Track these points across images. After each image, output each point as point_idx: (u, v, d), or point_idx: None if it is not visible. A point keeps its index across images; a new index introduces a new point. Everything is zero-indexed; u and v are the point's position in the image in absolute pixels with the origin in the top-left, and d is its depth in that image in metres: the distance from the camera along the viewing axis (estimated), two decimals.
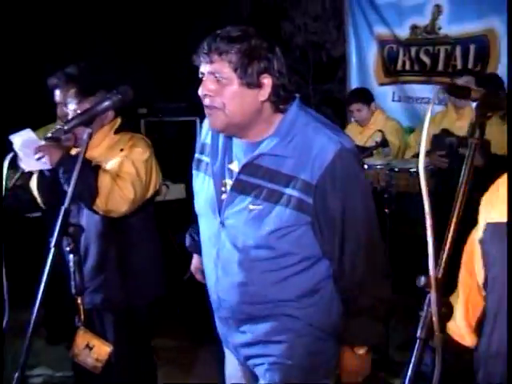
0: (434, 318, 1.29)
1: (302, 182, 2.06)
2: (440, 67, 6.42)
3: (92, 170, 3.00)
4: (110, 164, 3.10)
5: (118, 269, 3.23)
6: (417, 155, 5.17)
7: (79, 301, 2.15)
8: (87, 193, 2.93)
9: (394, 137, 5.43)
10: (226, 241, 2.24)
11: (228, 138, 2.26)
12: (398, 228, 4.88)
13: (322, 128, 2.13)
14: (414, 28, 6.62)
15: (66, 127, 2.20)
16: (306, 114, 2.19)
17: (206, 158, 2.35)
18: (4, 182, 3.11)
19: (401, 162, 5.10)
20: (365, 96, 5.80)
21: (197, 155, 2.43)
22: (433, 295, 1.28)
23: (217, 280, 2.32)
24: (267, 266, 2.19)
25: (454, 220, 1.38)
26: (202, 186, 2.35)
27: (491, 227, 1.64)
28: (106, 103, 2.23)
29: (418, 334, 1.33)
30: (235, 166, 2.23)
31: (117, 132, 3.21)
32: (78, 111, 3.02)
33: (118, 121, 3.23)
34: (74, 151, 3.13)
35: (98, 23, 6.83)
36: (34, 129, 3.31)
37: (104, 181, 2.98)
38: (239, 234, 2.20)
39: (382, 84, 7.00)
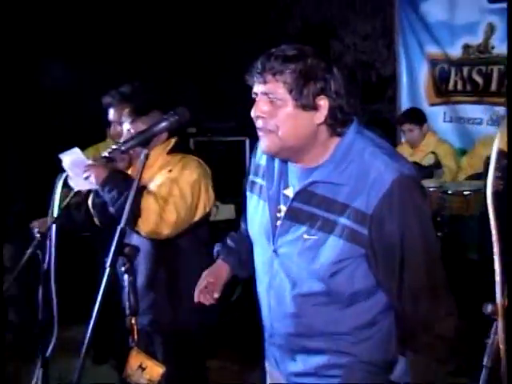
0: (502, 346, 1.27)
1: (356, 211, 1.98)
2: (493, 87, 6.34)
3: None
4: (155, 185, 3.12)
5: (167, 291, 3.22)
6: (470, 177, 5.14)
7: (133, 321, 2.17)
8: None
9: (450, 161, 5.40)
10: (279, 270, 2.19)
11: (283, 162, 2.19)
12: (450, 252, 4.83)
13: (379, 154, 2.04)
14: (466, 47, 6.56)
15: (123, 147, 2.23)
16: (363, 138, 2.09)
17: (260, 181, 2.31)
18: (58, 202, 3.16)
19: (454, 185, 5.06)
20: (417, 116, 5.79)
21: (251, 177, 2.38)
22: (500, 323, 1.26)
23: (269, 308, 2.29)
24: (320, 300, 2.13)
25: None
26: (257, 210, 2.30)
27: None
28: (164, 124, 2.26)
29: (485, 362, 1.32)
30: (290, 192, 2.16)
31: (169, 153, 3.23)
32: (132, 131, 3.08)
33: (172, 141, 3.25)
34: (129, 171, 3.18)
35: (146, 44, 6.94)
36: (83, 147, 3.38)
37: (147, 202, 2.99)
38: (293, 265, 2.14)
39: (432, 104, 6.94)
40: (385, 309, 2.17)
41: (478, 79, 6.52)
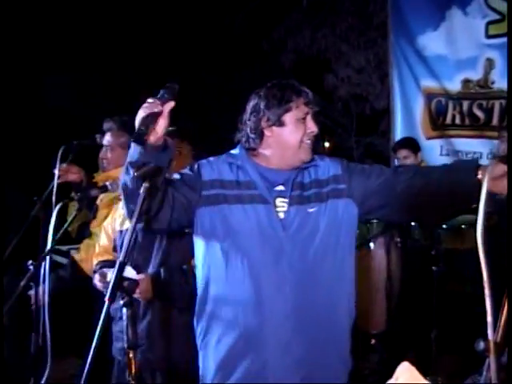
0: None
1: (334, 176, 2.68)
2: (495, 122, 6.42)
3: None
4: None
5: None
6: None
7: (131, 355, 2.20)
8: None
9: None
10: (294, 252, 2.58)
11: (261, 169, 2.68)
12: (446, 286, 4.88)
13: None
14: (466, 82, 6.63)
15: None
16: None
17: (244, 191, 2.63)
18: (52, 234, 3.22)
19: None
20: (413, 144, 5.91)
21: (234, 192, 2.64)
22: (492, 360, 1.31)
23: (285, 301, 2.57)
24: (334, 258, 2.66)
25: None
26: (246, 217, 2.61)
27: None
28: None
29: None
30: (282, 187, 2.66)
31: None
32: None
33: None
34: None
35: (143, 76, 7.06)
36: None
37: None
38: (308, 237, 2.61)
39: (429, 138, 6.98)
40: None
41: (479, 113, 6.59)
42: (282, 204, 2.63)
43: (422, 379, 1.62)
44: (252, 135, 2.65)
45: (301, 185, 2.67)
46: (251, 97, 2.70)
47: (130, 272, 3.09)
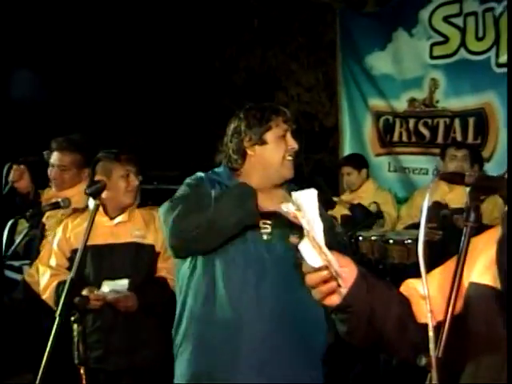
0: None
1: None
2: (439, 139, 6.52)
3: None
4: None
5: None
6: (409, 227, 5.28)
7: (82, 371, 2.19)
8: None
9: (390, 207, 5.54)
10: (273, 273, 2.60)
11: None
12: None
13: None
14: (412, 100, 6.72)
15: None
16: None
17: None
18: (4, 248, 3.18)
19: (395, 234, 5.18)
20: (356, 160, 5.97)
21: None
22: (434, 375, 1.33)
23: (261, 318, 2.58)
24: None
25: (452, 301, 1.44)
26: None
27: (473, 286, 1.68)
28: None
29: None
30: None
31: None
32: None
33: None
34: None
35: (100, 96, 7.04)
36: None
37: None
38: (286, 259, 2.56)
39: (377, 155, 7.08)
40: None
41: (425, 131, 6.69)
42: (265, 226, 2.65)
43: (316, 210, 1.56)
44: (235, 156, 2.68)
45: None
46: (231, 119, 2.73)
47: (121, 285, 3.12)
